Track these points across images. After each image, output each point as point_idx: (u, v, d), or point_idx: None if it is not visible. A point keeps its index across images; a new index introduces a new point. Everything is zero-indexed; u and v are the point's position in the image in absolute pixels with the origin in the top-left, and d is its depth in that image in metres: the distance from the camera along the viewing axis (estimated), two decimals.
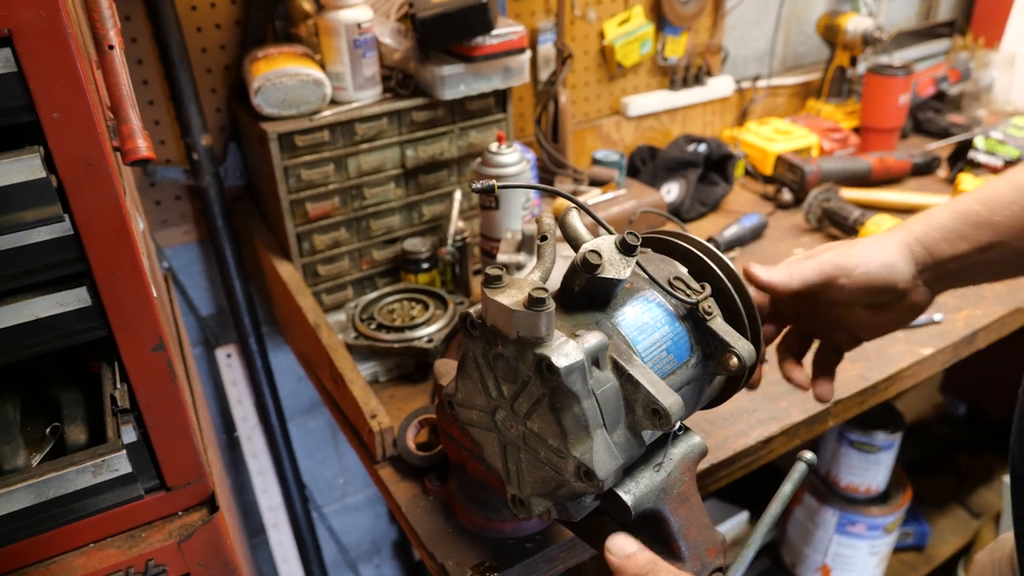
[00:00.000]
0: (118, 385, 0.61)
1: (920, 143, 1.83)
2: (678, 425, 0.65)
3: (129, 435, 0.60)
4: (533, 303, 0.54)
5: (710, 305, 0.65)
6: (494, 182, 0.61)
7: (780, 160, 1.60)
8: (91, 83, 0.52)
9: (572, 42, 1.52)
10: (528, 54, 1.17)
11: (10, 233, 0.52)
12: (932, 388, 2.36)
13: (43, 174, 0.51)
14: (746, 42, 1.82)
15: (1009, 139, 1.58)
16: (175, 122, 1.21)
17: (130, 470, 0.61)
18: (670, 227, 1.25)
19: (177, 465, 0.64)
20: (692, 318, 0.65)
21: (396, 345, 1.05)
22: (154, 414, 0.61)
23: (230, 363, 1.41)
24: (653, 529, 0.62)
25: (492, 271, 0.58)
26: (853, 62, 1.81)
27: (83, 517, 0.61)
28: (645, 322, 0.63)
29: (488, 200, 1.16)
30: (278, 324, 1.36)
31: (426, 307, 1.13)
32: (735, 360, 0.63)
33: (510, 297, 0.56)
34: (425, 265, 1.20)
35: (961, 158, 1.64)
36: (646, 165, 1.58)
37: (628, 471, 0.61)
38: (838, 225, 1.41)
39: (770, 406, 1.01)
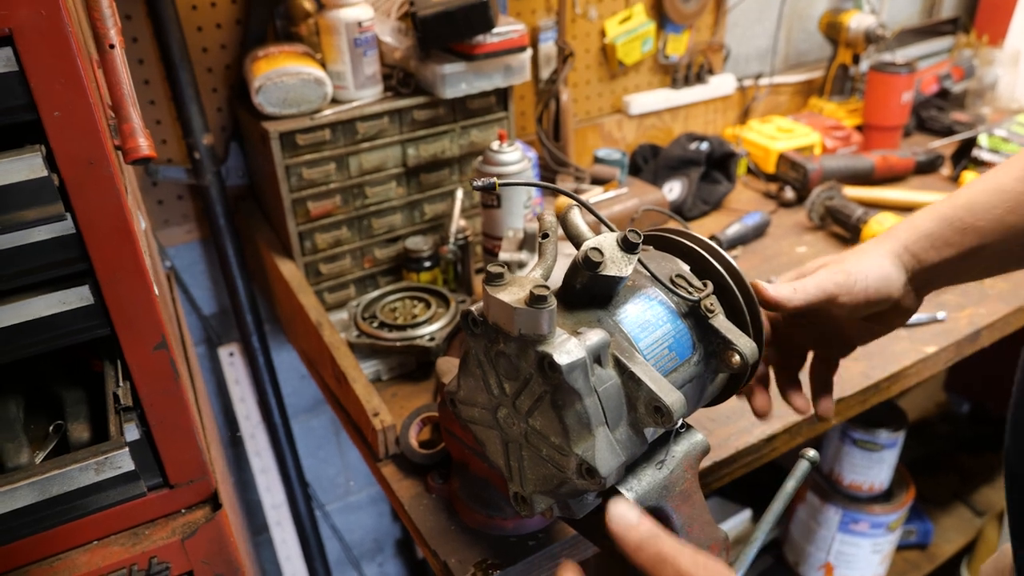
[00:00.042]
0: (121, 383, 0.61)
1: (923, 141, 1.83)
2: (680, 423, 0.65)
3: (132, 433, 0.61)
4: (535, 300, 0.54)
5: (712, 303, 0.65)
6: (495, 180, 0.61)
7: (783, 158, 1.60)
8: (92, 82, 0.52)
9: (573, 40, 1.52)
10: (529, 52, 1.17)
11: (11, 232, 0.52)
12: (935, 386, 2.36)
13: (44, 173, 0.51)
14: (748, 40, 1.82)
15: (1013, 136, 1.58)
16: (176, 122, 1.21)
17: (133, 468, 0.61)
18: (672, 225, 1.24)
19: (180, 463, 0.64)
20: (694, 316, 0.65)
21: (398, 343, 1.05)
22: (156, 412, 0.61)
23: (233, 362, 1.41)
24: None
25: (494, 269, 0.58)
26: (856, 60, 1.81)
27: (86, 515, 0.61)
28: (647, 320, 0.63)
29: (490, 198, 1.16)
30: (280, 323, 1.36)
31: (428, 305, 1.13)
32: (737, 358, 0.63)
33: (512, 295, 0.56)
34: (427, 264, 1.20)
35: (965, 156, 1.64)
36: (648, 163, 1.57)
37: (630, 469, 0.61)
38: (841, 223, 1.41)
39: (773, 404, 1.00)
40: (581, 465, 0.57)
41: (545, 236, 0.64)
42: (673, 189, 1.50)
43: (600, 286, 0.61)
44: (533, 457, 0.62)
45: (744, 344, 0.63)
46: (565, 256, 0.66)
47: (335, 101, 1.12)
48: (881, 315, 0.72)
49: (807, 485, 1.76)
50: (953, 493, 2.05)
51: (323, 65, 1.12)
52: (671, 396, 0.56)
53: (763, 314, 0.73)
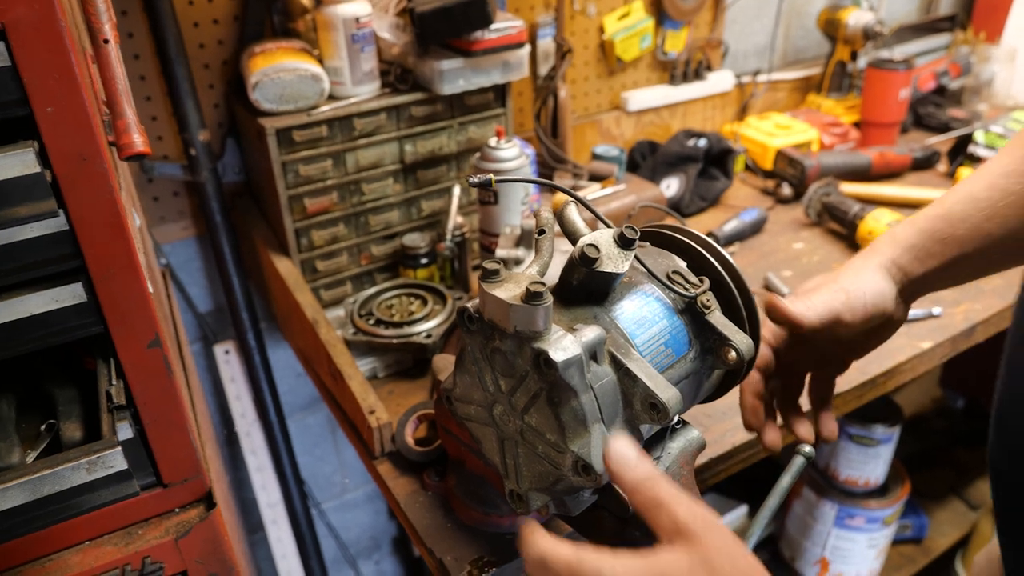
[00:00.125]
0: (114, 381, 0.60)
1: (920, 137, 1.83)
2: (676, 419, 0.65)
3: (125, 432, 0.60)
4: (530, 297, 0.54)
5: (708, 299, 0.65)
6: (491, 176, 0.61)
7: (780, 155, 1.60)
8: (86, 78, 0.52)
9: (572, 37, 1.52)
10: (527, 49, 1.17)
11: (4, 229, 0.52)
12: (931, 382, 2.36)
13: (37, 169, 0.51)
14: (746, 36, 1.82)
15: (1009, 133, 1.58)
16: (172, 118, 1.20)
17: (126, 467, 0.60)
18: (669, 222, 1.24)
19: (174, 461, 0.64)
20: (690, 312, 0.65)
21: (395, 341, 1.05)
22: (150, 410, 0.61)
23: (228, 359, 1.41)
24: None
25: (490, 265, 0.57)
26: (854, 56, 1.80)
27: (78, 514, 0.61)
28: (643, 316, 0.62)
29: (487, 195, 1.15)
30: (276, 320, 1.35)
31: (425, 302, 1.13)
32: (733, 354, 0.63)
33: (507, 291, 0.56)
34: (424, 260, 1.19)
35: (961, 152, 1.64)
36: (646, 160, 1.57)
37: None
38: (838, 220, 1.41)
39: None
40: (577, 462, 0.57)
41: (542, 232, 0.64)
42: (671, 185, 1.50)
43: (596, 282, 0.61)
44: (529, 454, 0.62)
45: (740, 340, 0.63)
46: (562, 253, 0.66)
47: (332, 97, 1.12)
48: (874, 329, 0.74)
49: (803, 480, 1.77)
50: (948, 487, 2.05)
51: (320, 61, 1.11)
52: (667, 392, 0.56)
53: (766, 335, 0.73)
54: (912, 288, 0.73)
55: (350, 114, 1.10)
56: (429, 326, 1.06)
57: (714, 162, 1.57)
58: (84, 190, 0.53)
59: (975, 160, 1.59)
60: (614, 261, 0.59)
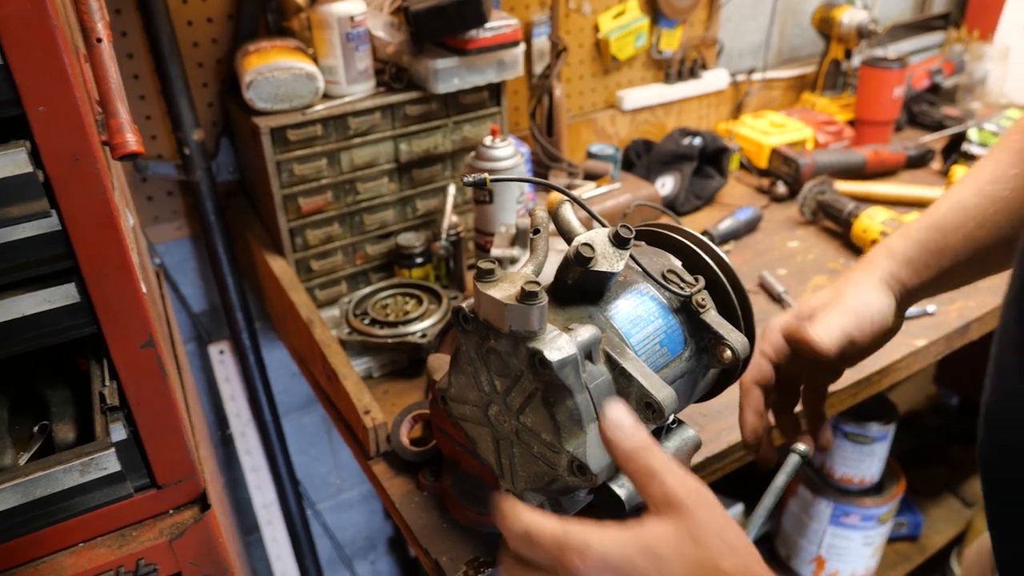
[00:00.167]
0: (107, 382, 0.60)
1: (914, 136, 1.83)
2: (672, 418, 0.65)
3: (118, 433, 0.60)
4: (525, 297, 0.54)
5: (703, 298, 0.65)
6: (486, 175, 0.61)
7: (775, 153, 1.60)
8: (78, 77, 0.52)
9: (567, 35, 1.51)
10: (522, 47, 1.17)
11: None
12: (925, 380, 2.37)
13: (29, 169, 0.50)
14: (741, 35, 1.82)
15: (1003, 131, 1.58)
16: (166, 117, 1.20)
17: (119, 468, 0.60)
18: (664, 221, 1.24)
19: (168, 463, 0.63)
20: (686, 311, 0.65)
21: (390, 340, 1.05)
22: (144, 411, 0.61)
23: (223, 359, 1.40)
24: None
25: (484, 265, 0.57)
26: (848, 55, 1.81)
27: (72, 516, 0.60)
28: (638, 315, 0.62)
29: (482, 194, 1.15)
30: (271, 320, 1.35)
31: (420, 302, 1.12)
32: (729, 353, 0.63)
33: (502, 291, 0.56)
34: (419, 260, 1.19)
35: (955, 150, 1.64)
36: (641, 159, 1.57)
37: None
38: (832, 218, 1.41)
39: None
40: (572, 462, 0.57)
41: (537, 232, 0.64)
42: (666, 184, 1.50)
43: (592, 282, 0.61)
44: (524, 454, 0.62)
45: (736, 339, 0.63)
46: (557, 252, 0.66)
47: (327, 96, 1.12)
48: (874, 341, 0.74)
49: (798, 479, 1.77)
50: (943, 485, 2.06)
51: (315, 60, 1.11)
52: (662, 392, 0.56)
53: (768, 351, 0.72)
54: (909, 298, 0.74)
55: (345, 113, 1.10)
56: (424, 326, 1.06)
57: (709, 161, 1.57)
58: (77, 190, 0.52)
59: (969, 158, 1.60)
60: (609, 260, 0.59)
